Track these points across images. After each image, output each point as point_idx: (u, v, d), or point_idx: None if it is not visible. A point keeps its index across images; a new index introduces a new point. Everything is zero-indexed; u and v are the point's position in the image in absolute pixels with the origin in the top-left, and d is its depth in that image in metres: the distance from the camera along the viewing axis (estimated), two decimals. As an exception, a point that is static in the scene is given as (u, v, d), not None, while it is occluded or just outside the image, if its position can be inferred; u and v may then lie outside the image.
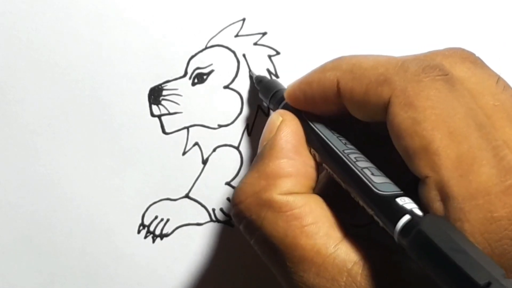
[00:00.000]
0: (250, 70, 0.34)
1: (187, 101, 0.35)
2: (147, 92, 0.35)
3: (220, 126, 0.35)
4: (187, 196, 0.35)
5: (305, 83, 0.28)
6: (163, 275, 0.35)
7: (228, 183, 0.35)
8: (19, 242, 0.36)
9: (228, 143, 0.35)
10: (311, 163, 0.28)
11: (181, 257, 0.35)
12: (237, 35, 0.34)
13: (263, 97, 0.33)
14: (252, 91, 0.34)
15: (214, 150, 0.35)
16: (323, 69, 0.28)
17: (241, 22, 0.34)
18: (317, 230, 0.25)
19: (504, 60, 0.34)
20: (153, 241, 0.35)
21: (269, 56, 0.34)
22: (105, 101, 0.35)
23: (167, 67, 0.34)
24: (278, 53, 0.34)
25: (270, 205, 0.26)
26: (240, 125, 0.35)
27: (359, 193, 0.25)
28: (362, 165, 0.25)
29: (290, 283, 0.26)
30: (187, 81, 0.34)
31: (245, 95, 0.35)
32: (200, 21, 0.34)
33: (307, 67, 0.34)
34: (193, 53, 0.34)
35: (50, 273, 0.36)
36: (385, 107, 0.24)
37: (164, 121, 0.35)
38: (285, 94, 0.29)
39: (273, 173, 0.27)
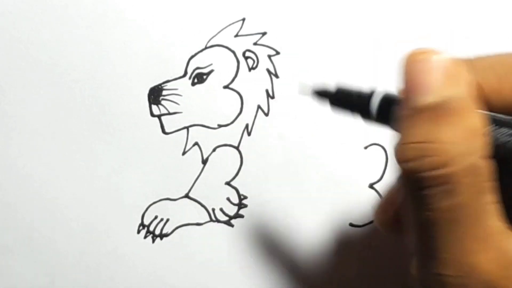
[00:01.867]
0: (303, 82, 0.29)
1: (187, 101, 0.35)
2: (147, 92, 0.35)
3: (220, 126, 0.35)
4: (187, 196, 0.35)
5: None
6: (163, 275, 0.35)
7: (228, 183, 0.35)
8: (19, 242, 0.36)
9: (228, 143, 0.35)
10: None
11: (181, 257, 0.35)
12: (237, 35, 0.34)
13: (345, 109, 0.24)
14: (252, 90, 0.35)
15: (214, 150, 0.35)
16: None
17: (241, 22, 0.34)
18: (501, 211, 0.22)
19: None
20: (153, 241, 0.35)
21: (269, 56, 0.34)
22: (105, 101, 0.35)
23: (167, 67, 0.34)
24: (278, 53, 0.34)
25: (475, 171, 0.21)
26: (240, 125, 0.35)
27: None
28: None
29: (456, 260, 0.22)
30: (187, 81, 0.35)
31: (245, 95, 0.35)
32: (200, 21, 0.34)
33: (307, 67, 0.34)
34: (193, 53, 0.34)
35: (50, 273, 0.36)
36: None
37: (164, 121, 0.35)
38: None
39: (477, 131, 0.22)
